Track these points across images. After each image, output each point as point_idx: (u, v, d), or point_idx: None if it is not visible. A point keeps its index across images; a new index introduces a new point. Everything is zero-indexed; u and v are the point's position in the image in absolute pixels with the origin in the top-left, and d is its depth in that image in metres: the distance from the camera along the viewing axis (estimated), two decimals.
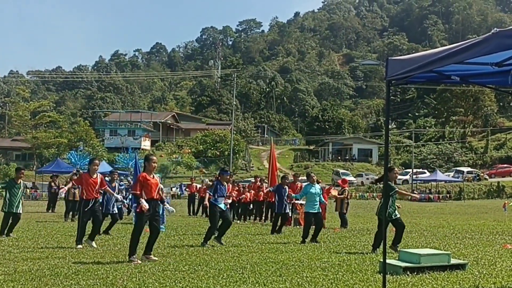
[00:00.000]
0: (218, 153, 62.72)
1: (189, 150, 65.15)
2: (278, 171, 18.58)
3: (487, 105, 71.49)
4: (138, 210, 8.73)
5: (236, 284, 6.60)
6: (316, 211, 12.14)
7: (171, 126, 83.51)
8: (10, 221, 12.76)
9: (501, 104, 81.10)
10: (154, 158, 9.08)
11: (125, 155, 49.67)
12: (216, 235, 11.36)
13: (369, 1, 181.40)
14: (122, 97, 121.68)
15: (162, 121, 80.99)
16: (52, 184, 24.66)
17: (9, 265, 7.99)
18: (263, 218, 20.18)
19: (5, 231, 12.67)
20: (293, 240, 12.59)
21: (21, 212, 12.91)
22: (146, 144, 72.91)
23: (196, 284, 6.54)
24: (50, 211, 24.37)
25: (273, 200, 18.64)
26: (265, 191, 19.40)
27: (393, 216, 10.05)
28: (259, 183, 20.71)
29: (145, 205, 8.51)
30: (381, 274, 6.27)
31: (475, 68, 5.30)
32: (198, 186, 24.06)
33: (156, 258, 8.71)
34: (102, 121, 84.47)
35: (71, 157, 41.54)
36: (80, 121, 78.01)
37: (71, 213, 19.64)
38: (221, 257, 9.16)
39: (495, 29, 4.24)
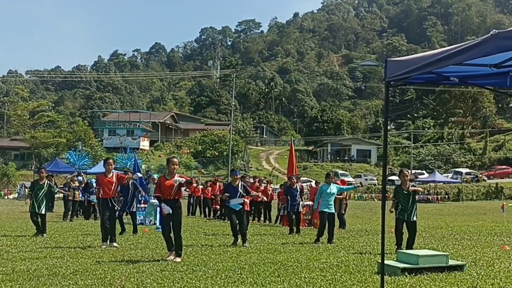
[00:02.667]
0: (217, 154, 62.67)
1: (188, 151, 65.11)
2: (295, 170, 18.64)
3: (486, 106, 71.49)
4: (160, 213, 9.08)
5: (235, 284, 6.60)
6: (331, 211, 12.19)
7: (170, 126, 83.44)
8: (39, 220, 12.95)
9: (499, 105, 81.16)
10: (175, 160, 9.34)
11: (124, 155, 49.62)
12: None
13: (368, 2, 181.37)
14: (121, 97, 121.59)
15: (161, 121, 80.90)
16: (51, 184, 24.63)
17: (7, 265, 7.98)
18: (262, 218, 20.17)
19: (37, 230, 12.91)
20: (292, 240, 12.59)
21: (43, 212, 13.03)
22: (145, 144, 72.83)
23: (194, 284, 6.54)
24: (48, 211, 24.37)
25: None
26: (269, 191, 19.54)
27: (411, 218, 10.18)
28: (258, 184, 20.67)
29: (166, 209, 8.80)
30: (379, 275, 6.27)
31: (474, 69, 5.30)
32: (200, 187, 24.04)
33: (179, 259, 8.71)
34: (101, 121, 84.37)
35: (69, 157, 41.49)
36: (79, 121, 77.82)
37: (70, 213, 19.68)
38: (219, 257, 9.17)
39: (494, 30, 4.24)
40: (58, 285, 6.44)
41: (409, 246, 10.08)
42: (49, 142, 62.25)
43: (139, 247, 10.66)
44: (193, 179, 26.82)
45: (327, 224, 12.21)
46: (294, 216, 14.81)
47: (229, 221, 11.66)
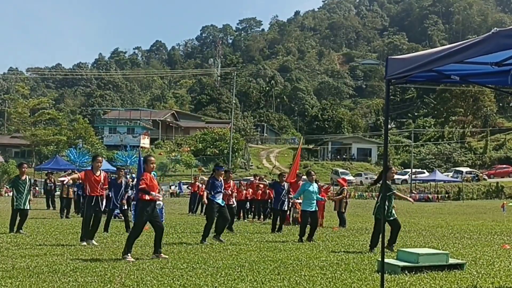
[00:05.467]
0: (217, 152, 62.71)
1: (188, 149, 65.14)
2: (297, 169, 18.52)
3: (487, 105, 71.49)
4: (140, 198, 8.73)
5: (234, 282, 6.60)
6: (312, 210, 12.14)
7: (171, 124, 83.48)
8: (18, 217, 12.77)
9: (500, 104, 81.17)
10: (153, 158, 9.15)
11: (124, 153, 49.62)
12: (214, 234, 11.37)
13: (369, 0, 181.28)
14: (121, 94, 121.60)
15: (162, 119, 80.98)
16: (48, 181, 24.70)
17: (7, 262, 7.98)
18: (262, 216, 20.17)
19: (14, 228, 12.69)
20: (292, 238, 12.59)
21: (28, 208, 12.94)
22: (145, 142, 72.88)
23: (194, 282, 6.54)
24: (50, 208, 24.47)
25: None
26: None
27: (390, 216, 10.08)
28: (258, 182, 20.65)
29: (157, 196, 8.69)
30: (379, 273, 6.27)
31: (474, 67, 5.29)
32: (202, 185, 24.08)
33: (167, 256, 8.66)
34: (102, 118, 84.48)
35: (70, 154, 41.46)
36: (79, 119, 77.87)
37: (65, 210, 19.72)
38: (219, 255, 9.16)
39: (495, 28, 4.23)
40: (58, 282, 6.44)
41: (392, 242, 10.02)
42: (49, 140, 62.29)
43: (139, 244, 10.64)
44: (197, 178, 26.87)
45: (309, 223, 12.22)
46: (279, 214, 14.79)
47: (208, 217, 11.33)
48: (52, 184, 24.69)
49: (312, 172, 12.83)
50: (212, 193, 11.22)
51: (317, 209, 12.40)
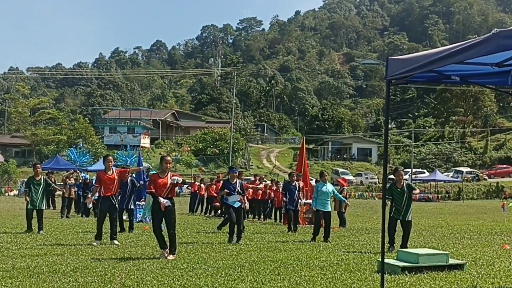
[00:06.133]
0: (217, 152, 62.69)
1: (189, 148, 65.09)
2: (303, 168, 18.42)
3: (487, 105, 71.47)
4: (156, 207, 8.92)
5: (234, 282, 6.60)
6: (326, 210, 12.15)
7: (171, 124, 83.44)
8: (36, 217, 12.91)
9: (500, 104, 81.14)
10: (168, 158, 9.28)
11: (124, 152, 49.65)
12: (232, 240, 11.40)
13: (370, 0, 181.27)
14: (122, 94, 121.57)
15: (162, 119, 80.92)
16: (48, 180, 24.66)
17: (7, 262, 7.99)
18: (262, 216, 20.17)
19: (31, 227, 12.81)
20: (292, 238, 12.59)
21: (43, 208, 13.08)
22: (145, 141, 72.79)
23: (194, 282, 6.54)
24: (50, 208, 24.45)
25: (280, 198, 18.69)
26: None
27: (405, 218, 10.13)
28: (258, 182, 20.65)
29: (164, 201, 8.75)
30: (379, 273, 6.27)
31: (475, 68, 5.29)
32: (202, 185, 24.09)
33: (172, 257, 8.64)
34: (102, 118, 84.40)
35: (70, 154, 41.45)
36: (79, 118, 77.80)
37: (66, 210, 19.73)
38: (219, 255, 9.16)
39: (496, 29, 4.23)
40: (58, 282, 6.44)
41: (404, 245, 10.02)
42: (49, 139, 62.24)
43: (139, 244, 10.67)
44: (197, 177, 26.87)
45: (323, 223, 12.22)
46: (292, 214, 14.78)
47: (227, 215, 11.54)
48: (52, 184, 24.66)
49: (325, 173, 12.86)
50: (225, 196, 11.32)
51: (330, 209, 12.37)
